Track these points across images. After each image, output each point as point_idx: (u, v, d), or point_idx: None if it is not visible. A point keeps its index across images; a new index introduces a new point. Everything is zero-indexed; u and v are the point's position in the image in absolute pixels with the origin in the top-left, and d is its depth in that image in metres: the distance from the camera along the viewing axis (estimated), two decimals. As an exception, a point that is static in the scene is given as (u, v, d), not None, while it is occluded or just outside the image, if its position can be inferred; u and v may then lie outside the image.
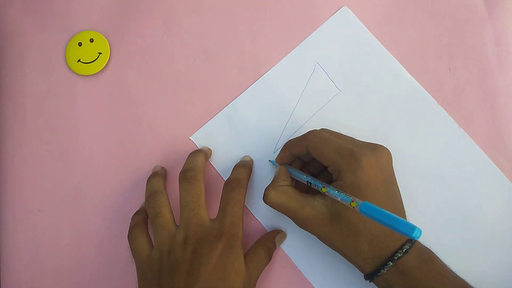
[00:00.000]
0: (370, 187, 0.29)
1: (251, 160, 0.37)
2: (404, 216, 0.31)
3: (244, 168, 0.35)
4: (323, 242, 0.32)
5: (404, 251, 0.29)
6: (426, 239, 0.30)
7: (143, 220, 0.34)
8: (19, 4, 0.40)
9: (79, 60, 0.39)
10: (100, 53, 0.39)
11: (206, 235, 0.31)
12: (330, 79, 0.38)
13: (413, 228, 0.23)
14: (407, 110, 0.38)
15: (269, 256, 0.34)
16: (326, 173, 0.33)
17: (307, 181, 0.32)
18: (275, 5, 0.40)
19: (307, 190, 0.35)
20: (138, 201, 0.37)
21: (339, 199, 0.29)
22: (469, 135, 0.37)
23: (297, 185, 0.36)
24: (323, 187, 0.30)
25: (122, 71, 0.39)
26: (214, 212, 0.33)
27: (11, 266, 0.37)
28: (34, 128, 0.39)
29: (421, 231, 0.23)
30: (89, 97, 0.39)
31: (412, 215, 0.34)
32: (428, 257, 0.30)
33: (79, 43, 0.39)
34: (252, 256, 0.32)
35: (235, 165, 0.36)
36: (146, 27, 0.40)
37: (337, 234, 0.30)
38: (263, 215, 0.37)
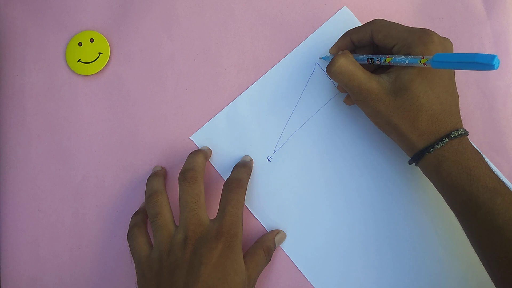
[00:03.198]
0: None
1: (251, 160, 0.37)
2: (458, 111, 0.32)
3: (244, 168, 0.35)
4: (376, 120, 0.33)
5: (460, 133, 0.30)
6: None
7: (142, 220, 0.34)
8: (19, 4, 0.40)
9: (79, 60, 0.39)
10: (100, 53, 0.39)
11: (205, 235, 0.31)
12: (330, 79, 0.38)
13: (492, 56, 0.23)
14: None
15: (269, 256, 0.34)
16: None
17: (368, 59, 0.33)
18: (275, 5, 0.40)
19: None
20: (138, 201, 0.37)
21: (407, 62, 0.29)
22: (467, 136, 0.37)
23: None
24: (387, 57, 0.31)
25: (122, 71, 0.39)
26: (214, 212, 0.33)
27: (11, 266, 0.37)
28: (34, 128, 0.39)
29: (499, 61, 0.24)
30: (89, 97, 0.39)
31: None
32: (479, 153, 0.31)
33: (79, 43, 0.39)
34: (251, 256, 0.32)
35: (235, 165, 0.36)
36: (146, 27, 0.40)
37: (398, 107, 0.31)
38: (263, 215, 0.37)
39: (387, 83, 0.31)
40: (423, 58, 0.28)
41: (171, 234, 0.32)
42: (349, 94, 0.34)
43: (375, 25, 0.33)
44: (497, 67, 0.24)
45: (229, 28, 0.40)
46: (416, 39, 0.30)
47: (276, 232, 0.36)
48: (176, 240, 0.31)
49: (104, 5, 0.40)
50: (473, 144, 0.31)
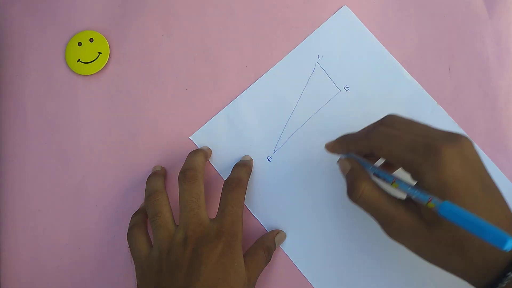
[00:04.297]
0: (460, 183, 0.24)
1: (251, 159, 0.37)
2: (509, 211, 0.25)
3: (244, 167, 0.35)
4: (424, 257, 0.27)
5: None
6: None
7: (142, 220, 0.34)
8: (20, 4, 0.40)
9: (79, 60, 0.39)
10: (100, 53, 0.39)
11: (205, 235, 0.31)
12: (330, 79, 0.38)
13: (504, 238, 0.18)
14: (406, 110, 0.38)
15: (269, 256, 0.34)
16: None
17: (374, 173, 0.27)
18: (275, 5, 0.40)
19: None
20: (138, 201, 0.37)
21: (413, 198, 0.24)
22: (468, 135, 0.37)
23: None
24: (394, 181, 0.25)
25: (122, 71, 0.39)
26: (214, 211, 0.33)
27: (11, 266, 0.37)
28: (34, 128, 0.39)
29: None
30: (89, 97, 0.39)
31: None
32: None
33: (79, 43, 0.39)
34: (251, 256, 0.32)
35: (235, 165, 0.36)
36: (146, 27, 0.40)
37: (438, 242, 0.25)
38: (263, 215, 0.37)
39: (416, 211, 0.25)
40: (430, 201, 0.23)
41: (171, 233, 0.31)
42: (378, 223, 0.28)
43: (373, 140, 0.27)
44: (510, 248, 0.18)
45: (229, 28, 0.40)
46: (423, 163, 0.24)
47: (276, 232, 0.36)
48: (176, 240, 0.31)
49: (104, 5, 0.40)
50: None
